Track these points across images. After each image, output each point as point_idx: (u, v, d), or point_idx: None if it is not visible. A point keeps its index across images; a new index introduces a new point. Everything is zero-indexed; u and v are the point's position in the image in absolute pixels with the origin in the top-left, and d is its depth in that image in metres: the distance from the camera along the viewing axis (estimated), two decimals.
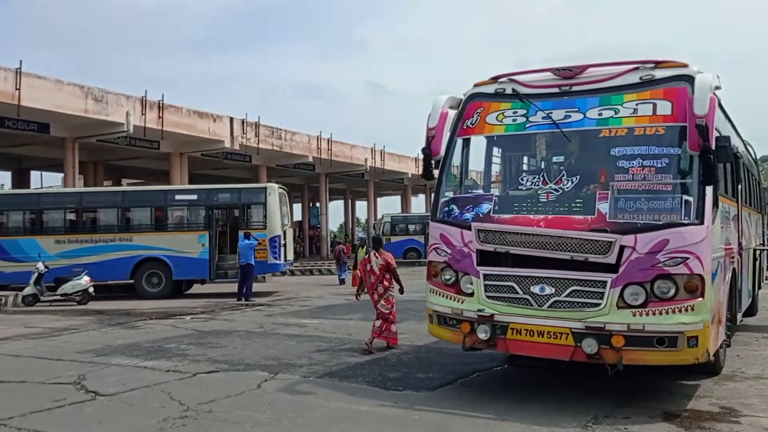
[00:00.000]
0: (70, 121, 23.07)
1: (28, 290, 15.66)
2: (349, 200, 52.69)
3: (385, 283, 8.80)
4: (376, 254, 8.90)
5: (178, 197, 18.64)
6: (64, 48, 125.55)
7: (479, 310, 5.84)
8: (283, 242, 17.70)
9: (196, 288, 19.10)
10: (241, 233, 16.75)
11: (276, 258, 17.52)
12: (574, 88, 6.06)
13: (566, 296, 5.49)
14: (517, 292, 5.71)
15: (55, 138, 24.06)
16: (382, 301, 8.76)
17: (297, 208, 45.24)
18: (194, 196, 18.35)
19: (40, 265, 15.87)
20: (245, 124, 29.13)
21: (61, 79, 22.01)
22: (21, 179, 33.45)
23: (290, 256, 19.57)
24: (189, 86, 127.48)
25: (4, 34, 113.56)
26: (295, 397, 6.20)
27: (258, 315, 13.03)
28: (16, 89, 20.12)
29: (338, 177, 40.75)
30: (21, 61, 20.23)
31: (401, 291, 8.99)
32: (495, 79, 6.50)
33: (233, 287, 16.71)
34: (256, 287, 17.68)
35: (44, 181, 39.65)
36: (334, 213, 57.42)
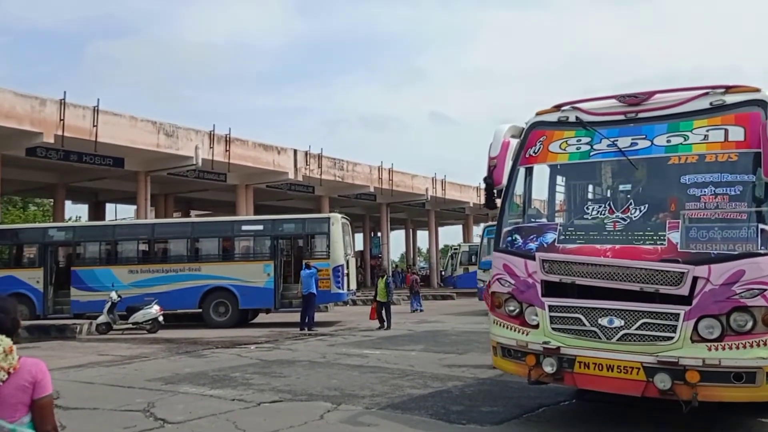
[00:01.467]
0: (143, 156, 24.10)
1: (102, 319, 16.26)
2: (410, 230, 52.70)
3: None
4: None
5: (244, 228, 19.10)
6: (139, 84, 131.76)
7: (545, 343, 5.70)
8: (345, 272, 17.82)
9: (261, 317, 19.40)
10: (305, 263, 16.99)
11: (339, 287, 17.64)
12: (641, 115, 5.92)
13: (636, 329, 5.30)
14: (584, 325, 5.55)
15: (129, 172, 25.15)
16: None
17: (359, 237, 45.55)
18: (260, 227, 18.74)
19: (114, 295, 16.48)
20: (308, 155, 29.71)
21: (135, 116, 23.05)
22: (97, 211, 35.02)
23: (353, 285, 19.67)
24: (255, 119, 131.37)
25: (84, 74, 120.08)
26: (357, 428, 6.18)
27: (320, 345, 13.10)
28: (94, 126, 21.18)
29: (399, 207, 40.88)
30: (98, 100, 21.35)
31: None
32: (558, 107, 6.43)
33: (297, 317, 16.88)
34: (319, 317, 17.81)
35: (118, 213, 41.43)
36: (396, 242, 57.61)
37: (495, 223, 23.11)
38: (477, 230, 49.04)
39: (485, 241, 21.44)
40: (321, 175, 30.21)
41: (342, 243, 18.02)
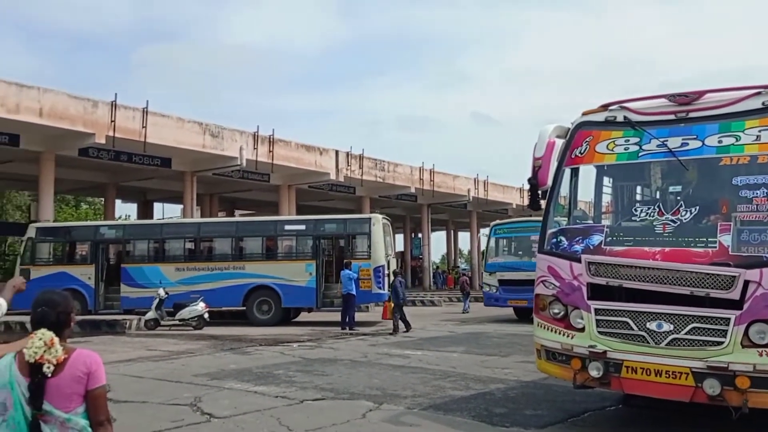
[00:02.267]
0: (190, 156, 24.64)
1: (150, 315, 16.66)
2: (452, 231, 52.50)
3: None
4: None
5: (287, 227, 19.33)
6: (183, 87, 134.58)
7: (591, 346, 5.62)
8: (387, 272, 17.87)
9: (303, 316, 19.59)
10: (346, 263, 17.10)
11: (380, 288, 17.68)
12: (691, 115, 5.80)
13: (686, 333, 5.20)
14: (631, 328, 5.46)
15: (176, 172, 25.74)
16: None
17: (399, 238, 45.62)
18: (302, 227, 18.94)
19: (162, 292, 16.88)
20: (350, 156, 29.89)
21: (182, 117, 23.57)
22: (145, 210, 35.90)
23: None
24: (296, 121, 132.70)
25: (132, 77, 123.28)
26: (399, 428, 6.20)
27: (362, 344, 13.18)
28: (143, 127, 21.73)
29: (440, 208, 40.77)
30: (147, 101, 21.91)
31: None
32: (605, 107, 6.33)
33: (338, 316, 16.99)
34: (360, 317, 17.90)
35: (165, 212, 42.41)
36: (437, 244, 57.41)
37: (503, 221, 21.68)
38: (484, 230, 48.51)
39: (492, 241, 20.07)
40: (362, 175, 30.36)
41: (383, 243, 18.08)
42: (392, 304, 16.14)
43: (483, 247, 22.75)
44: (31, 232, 19.53)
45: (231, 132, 24.97)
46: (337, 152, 29.30)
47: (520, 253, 19.07)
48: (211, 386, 8.37)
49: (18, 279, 3.79)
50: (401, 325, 15.63)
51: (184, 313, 16.57)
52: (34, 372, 2.45)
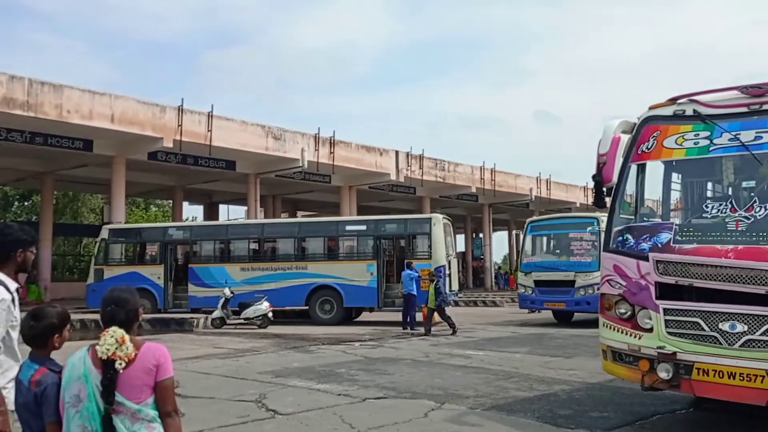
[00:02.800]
0: (253, 158, 25.21)
1: (217, 314, 17.12)
2: (513, 231, 51.81)
3: None
4: None
5: (348, 228, 19.51)
6: (247, 90, 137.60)
7: (659, 347, 5.45)
8: (447, 272, 17.79)
9: (365, 315, 19.72)
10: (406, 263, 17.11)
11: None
12: (766, 107, 5.54)
13: (761, 335, 4.97)
14: (703, 329, 5.26)
15: (240, 174, 26.37)
16: None
17: (460, 239, 45.34)
18: (363, 227, 19.08)
19: (227, 291, 17.31)
20: (410, 156, 29.91)
21: (246, 120, 24.14)
22: (211, 212, 36.95)
23: (455, 286, 19.60)
24: (357, 122, 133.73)
25: (198, 82, 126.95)
26: (462, 428, 6.16)
27: (423, 344, 13.16)
28: (208, 131, 22.36)
29: (502, 207, 40.32)
30: (212, 105, 22.57)
31: None
32: (673, 101, 6.12)
33: (399, 316, 17.01)
34: (421, 317, 17.85)
35: (230, 214, 43.49)
36: (498, 244, 56.78)
37: (540, 217, 20.32)
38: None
39: (528, 239, 18.45)
40: (422, 175, 30.33)
41: (444, 243, 18.01)
42: (428, 308, 15.60)
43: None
44: (104, 233, 20.37)
45: (293, 134, 25.39)
46: (397, 153, 29.38)
47: (558, 251, 17.88)
48: (276, 383, 8.53)
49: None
50: (447, 323, 15.43)
51: (249, 312, 16.93)
52: (106, 367, 2.56)
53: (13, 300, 3.10)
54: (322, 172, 27.31)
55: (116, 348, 2.56)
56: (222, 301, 17.11)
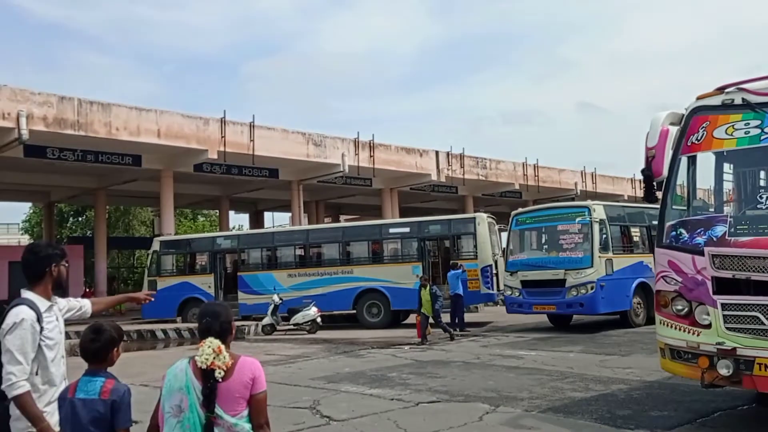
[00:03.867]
0: (295, 166, 25.52)
1: (267, 320, 17.36)
2: None
3: None
4: None
5: (391, 230, 19.56)
6: (287, 99, 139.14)
7: (719, 344, 5.31)
8: (494, 272, 17.65)
9: (413, 318, 19.68)
10: (452, 263, 17.04)
11: (488, 288, 17.50)
12: None
13: None
14: (763, 324, 5.11)
15: (283, 181, 26.72)
16: None
17: (505, 237, 44.88)
18: (407, 229, 19.10)
19: (276, 297, 17.55)
20: (450, 156, 29.80)
21: (287, 129, 24.43)
22: (257, 220, 37.51)
23: (502, 285, 19.40)
24: (396, 124, 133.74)
25: (239, 93, 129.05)
26: (519, 431, 6.11)
27: (473, 346, 13.09)
28: (251, 141, 22.72)
29: (547, 203, 39.77)
30: (254, 116, 22.89)
31: None
32: (721, 90, 5.97)
33: (447, 318, 16.94)
34: (470, 317, 17.77)
35: (275, 221, 44.07)
36: None
37: (527, 209, 17.55)
38: None
39: (514, 234, 15.98)
40: (464, 174, 30.17)
41: (489, 243, 17.88)
42: (422, 315, 14.29)
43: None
44: (155, 245, 20.88)
45: (333, 140, 25.59)
46: (437, 153, 29.30)
47: (546, 247, 15.66)
48: (328, 389, 8.60)
49: (141, 294, 4.04)
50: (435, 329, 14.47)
51: (298, 317, 17.12)
52: (206, 377, 2.64)
53: (38, 318, 3.09)
54: (363, 175, 27.44)
55: (214, 357, 2.64)
56: (271, 307, 17.35)
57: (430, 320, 14.41)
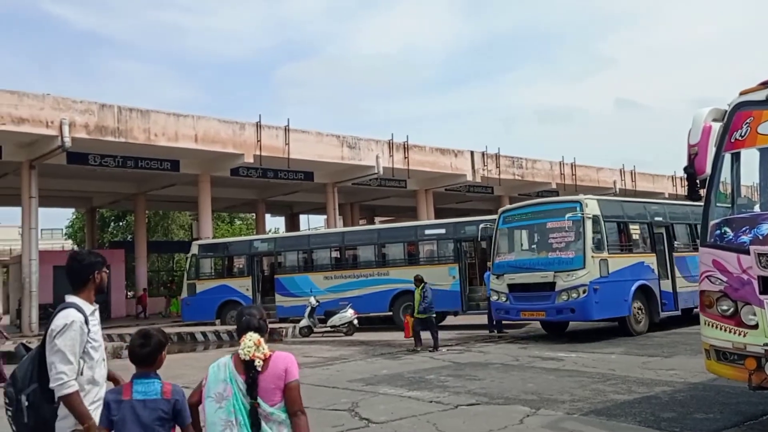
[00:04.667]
0: (330, 168, 25.66)
1: (304, 322, 17.48)
2: None
3: None
4: None
5: (427, 232, 19.48)
6: (320, 101, 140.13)
7: (766, 344, 5.17)
8: None
9: (449, 320, 19.60)
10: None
11: None
12: None
13: None
14: None
15: (318, 184, 26.88)
16: None
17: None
18: (442, 230, 19.01)
19: (313, 300, 17.65)
20: (485, 156, 29.61)
21: (321, 132, 24.58)
22: (292, 222, 37.80)
23: None
24: (430, 124, 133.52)
25: (273, 97, 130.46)
26: None
27: (512, 347, 12.96)
28: (286, 144, 22.93)
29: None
30: (288, 120, 23.12)
31: None
32: (765, 84, 5.81)
33: (485, 319, 16.83)
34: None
35: (310, 223, 44.34)
36: None
37: (514, 206, 15.65)
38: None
39: (501, 233, 14.62)
40: (499, 174, 29.96)
41: None
42: (414, 318, 13.76)
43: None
44: (194, 249, 21.21)
45: (367, 142, 25.66)
46: (472, 153, 29.15)
47: (536, 247, 14.23)
48: (367, 391, 8.61)
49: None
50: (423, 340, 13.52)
51: (335, 320, 17.19)
52: (248, 368, 2.92)
53: (86, 321, 3.25)
54: (397, 177, 27.45)
55: (255, 350, 2.91)
56: (308, 310, 17.45)
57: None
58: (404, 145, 26.63)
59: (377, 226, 30.11)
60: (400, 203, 34.69)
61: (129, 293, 32.12)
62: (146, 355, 3.08)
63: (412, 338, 13.63)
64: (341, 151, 24.75)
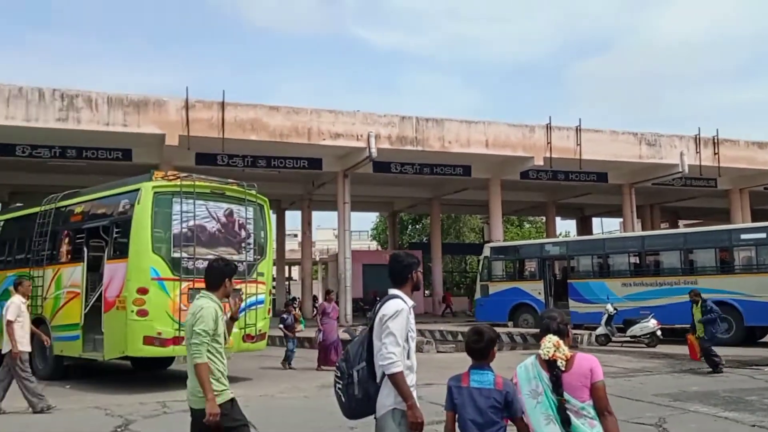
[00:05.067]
0: (625, 168, 24.31)
1: (600, 330, 16.72)
2: None
3: None
4: None
5: (744, 236, 17.24)
6: (614, 98, 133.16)
7: None
8: None
9: None
10: None
11: None
12: None
13: None
14: None
15: (612, 185, 25.64)
16: None
17: None
18: (763, 235, 16.67)
19: (610, 307, 16.78)
20: None
21: (616, 130, 23.41)
22: (584, 226, 36.60)
23: None
24: (744, 115, 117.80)
25: (564, 97, 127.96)
26: None
27: None
28: (577, 145, 22.33)
29: None
30: (579, 120, 22.47)
31: None
32: None
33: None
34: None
35: (604, 227, 42.49)
36: None
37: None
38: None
39: None
40: None
41: None
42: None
43: None
44: (486, 251, 21.74)
45: (669, 138, 23.78)
46: None
47: None
48: (674, 407, 7.96)
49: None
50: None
51: (635, 329, 16.15)
52: (550, 367, 3.14)
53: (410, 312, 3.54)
54: (705, 175, 24.89)
55: (554, 350, 3.12)
56: (605, 317, 16.64)
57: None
58: (713, 139, 24.06)
59: (683, 230, 27.60)
60: (709, 204, 31.37)
61: (426, 292, 34.27)
62: (481, 349, 3.35)
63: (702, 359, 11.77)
64: (639, 150, 23.29)
